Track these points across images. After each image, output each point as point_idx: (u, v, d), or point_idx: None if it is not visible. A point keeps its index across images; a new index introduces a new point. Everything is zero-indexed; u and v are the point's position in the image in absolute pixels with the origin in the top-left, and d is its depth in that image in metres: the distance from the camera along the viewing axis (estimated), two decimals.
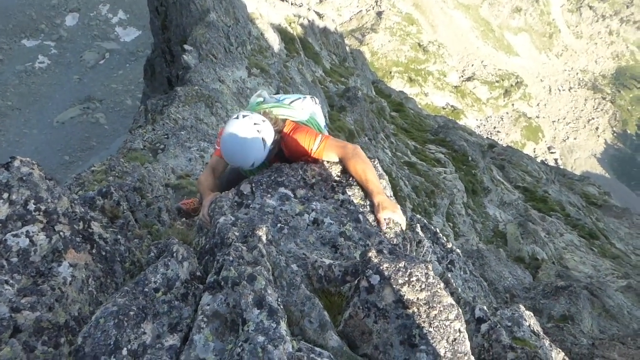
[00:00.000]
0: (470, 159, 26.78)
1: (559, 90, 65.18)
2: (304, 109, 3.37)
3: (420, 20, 60.97)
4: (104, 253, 2.47)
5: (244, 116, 2.91)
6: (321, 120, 3.57)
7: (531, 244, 20.29)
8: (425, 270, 1.87)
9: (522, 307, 3.42)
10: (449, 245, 5.71)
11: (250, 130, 2.84)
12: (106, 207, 3.21)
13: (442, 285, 1.85)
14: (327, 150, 3.04)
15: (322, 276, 2.14)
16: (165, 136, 12.92)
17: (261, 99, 3.44)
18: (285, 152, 3.19)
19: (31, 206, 2.11)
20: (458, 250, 5.81)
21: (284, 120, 3.15)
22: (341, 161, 3.05)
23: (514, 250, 19.90)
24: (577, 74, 67.10)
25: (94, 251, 2.37)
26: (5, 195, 2.04)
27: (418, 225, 4.27)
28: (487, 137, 42.15)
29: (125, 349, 1.51)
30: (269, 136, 2.93)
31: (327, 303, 2.12)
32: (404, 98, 38.01)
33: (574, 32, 70.69)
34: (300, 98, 3.47)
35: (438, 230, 6.05)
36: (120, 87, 42.18)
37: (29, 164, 2.21)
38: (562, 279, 14.55)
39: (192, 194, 9.60)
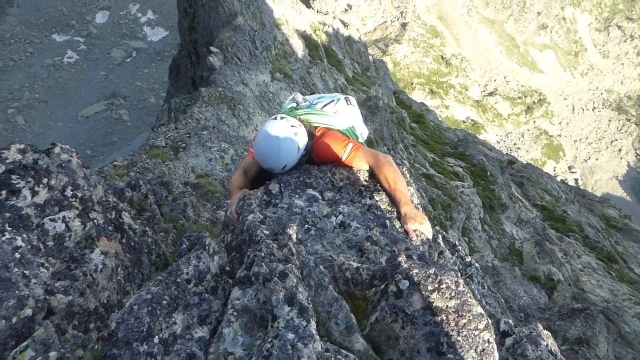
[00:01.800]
0: (489, 174, 26.51)
1: (583, 110, 64.29)
2: (337, 112, 3.31)
3: (445, 33, 60.81)
4: (132, 243, 2.51)
5: (282, 118, 2.92)
6: (359, 126, 3.49)
7: (547, 264, 19.98)
8: (456, 278, 1.86)
9: (540, 326, 3.36)
10: (468, 259, 5.66)
11: (287, 132, 2.84)
12: (134, 199, 3.25)
13: (471, 294, 1.84)
14: (357, 159, 3.02)
15: (348, 279, 2.14)
16: (187, 135, 13.08)
17: (294, 104, 3.42)
18: (315, 160, 3.16)
19: (68, 192, 2.15)
20: (477, 264, 5.74)
21: (316, 128, 3.14)
22: (371, 169, 3.02)
23: (530, 269, 19.60)
24: (601, 93, 66.14)
25: (123, 241, 2.41)
26: (45, 181, 2.08)
27: (440, 236, 4.23)
28: (506, 153, 41.70)
29: (157, 337, 1.53)
30: (303, 141, 2.95)
31: (352, 306, 2.11)
32: (425, 110, 37.86)
33: (600, 51, 69.78)
34: (333, 101, 3.38)
35: (457, 243, 6.00)
36: (145, 85, 42.83)
37: (69, 151, 2.26)
38: (578, 302, 14.31)
39: (211, 194, 9.67)
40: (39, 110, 39.10)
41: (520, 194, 28.60)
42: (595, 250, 23.62)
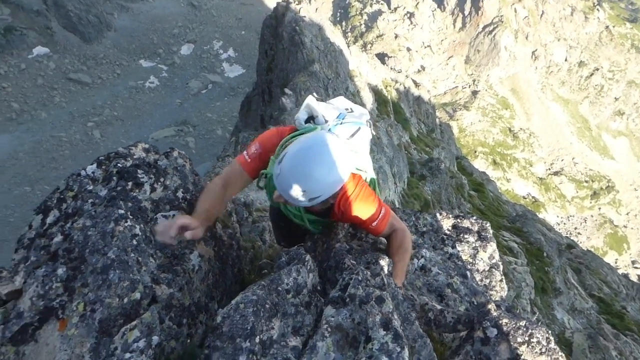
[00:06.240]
0: (545, 254, 25.40)
1: None
2: (362, 145, 2.60)
3: (515, 106, 60.28)
4: (221, 253, 2.63)
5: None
6: (368, 162, 2.70)
7: None
8: (547, 335, 1.84)
9: None
10: None
11: (343, 147, 2.10)
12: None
13: (562, 354, 1.80)
14: (385, 226, 2.43)
15: (431, 319, 2.15)
16: None
17: (311, 122, 2.55)
18: (337, 212, 2.43)
19: (180, 194, 2.32)
20: None
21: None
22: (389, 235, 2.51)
23: None
24: None
25: (216, 249, 2.54)
26: (162, 180, 2.26)
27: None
28: (566, 237, 39.88)
29: (258, 337, 1.60)
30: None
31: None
32: (486, 179, 37.24)
33: None
34: (359, 128, 2.58)
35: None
36: (215, 117, 44.84)
37: (184, 157, 2.45)
38: None
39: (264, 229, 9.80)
40: (115, 127, 41.59)
41: (577, 281, 27.12)
42: None
